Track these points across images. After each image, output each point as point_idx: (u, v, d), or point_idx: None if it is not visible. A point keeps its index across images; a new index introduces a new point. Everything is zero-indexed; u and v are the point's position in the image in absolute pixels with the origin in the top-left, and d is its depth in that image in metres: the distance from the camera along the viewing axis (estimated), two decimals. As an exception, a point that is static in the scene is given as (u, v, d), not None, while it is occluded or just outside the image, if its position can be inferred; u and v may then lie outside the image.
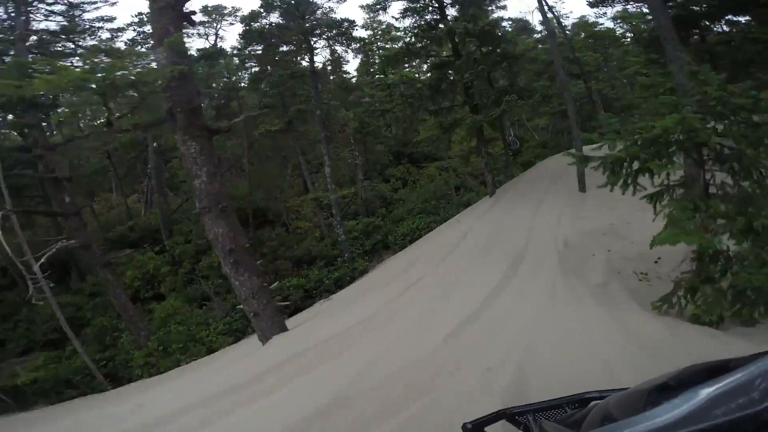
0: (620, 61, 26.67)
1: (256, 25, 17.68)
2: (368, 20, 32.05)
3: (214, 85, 21.24)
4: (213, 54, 17.83)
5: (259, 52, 20.42)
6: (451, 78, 15.03)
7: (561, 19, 20.80)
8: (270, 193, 22.58)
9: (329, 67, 27.20)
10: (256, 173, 22.09)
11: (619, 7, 16.86)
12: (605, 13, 19.91)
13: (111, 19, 16.56)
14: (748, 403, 0.82)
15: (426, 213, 22.08)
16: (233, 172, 22.73)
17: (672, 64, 8.97)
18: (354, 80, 27.51)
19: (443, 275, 9.08)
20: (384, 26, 25.74)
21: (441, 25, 14.35)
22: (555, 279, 6.78)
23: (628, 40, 29.51)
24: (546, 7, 13.40)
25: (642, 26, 19.06)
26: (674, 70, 8.83)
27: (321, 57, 26.88)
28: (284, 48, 18.26)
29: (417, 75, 23.55)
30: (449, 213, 21.31)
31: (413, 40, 14.43)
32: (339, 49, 17.92)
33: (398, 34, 14.43)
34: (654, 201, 5.33)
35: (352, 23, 16.96)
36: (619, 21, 24.12)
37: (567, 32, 23.09)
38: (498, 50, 14.46)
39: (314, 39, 17.19)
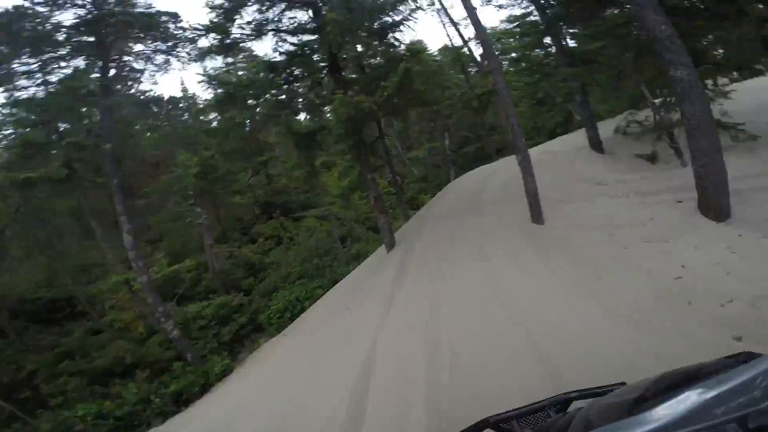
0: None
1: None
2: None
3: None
4: None
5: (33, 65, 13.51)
6: (308, 52, 10.01)
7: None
8: (73, 274, 14.82)
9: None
10: (39, 247, 14.20)
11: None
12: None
13: None
14: (749, 401, 0.82)
15: (308, 276, 16.80)
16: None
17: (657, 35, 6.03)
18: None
19: None
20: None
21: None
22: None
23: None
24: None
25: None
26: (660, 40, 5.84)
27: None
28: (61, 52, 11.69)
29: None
30: (338, 272, 16.50)
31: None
32: (159, 58, 12.21)
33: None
34: None
35: (173, 17, 11.43)
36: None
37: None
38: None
39: (109, 38, 11.21)
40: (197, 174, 15.84)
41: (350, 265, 16.82)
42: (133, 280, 12.59)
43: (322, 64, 10.01)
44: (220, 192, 17.18)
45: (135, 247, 10.68)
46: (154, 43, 11.57)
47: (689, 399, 0.88)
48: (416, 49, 9.37)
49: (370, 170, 11.52)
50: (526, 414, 1.58)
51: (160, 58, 11.92)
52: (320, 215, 19.71)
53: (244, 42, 9.20)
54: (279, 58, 9.41)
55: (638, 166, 11.58)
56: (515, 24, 15.73)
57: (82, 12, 11.35)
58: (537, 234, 7.87)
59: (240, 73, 16.20)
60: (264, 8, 8.90)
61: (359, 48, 9.99)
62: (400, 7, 9.64)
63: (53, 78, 12.86)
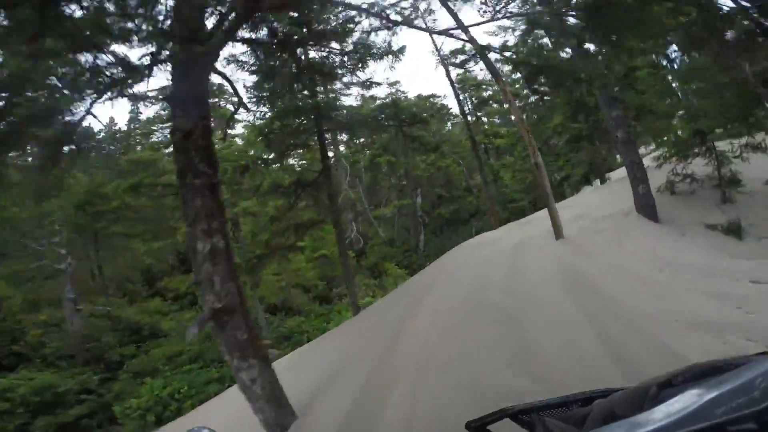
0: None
1: None
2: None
3: None
4: None
5: None
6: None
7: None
8: None
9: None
10: None
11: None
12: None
13: None
14: (748, 402, 0.79)
15: (206, 361, 12.24)
16: None
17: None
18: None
19: None
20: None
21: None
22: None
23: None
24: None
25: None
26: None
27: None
28: None
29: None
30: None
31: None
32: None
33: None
34: None
35: None
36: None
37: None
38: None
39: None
40: (79, 204, 11.88)
41: (277, 351, 12.40)
42: None
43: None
44: (113, 232, 13.09)
45: None
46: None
47: (705, 392, 0.83)
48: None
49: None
50: (548, 407, 1.46)
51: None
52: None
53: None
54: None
55: (721, 244, 7.55)
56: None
57: None
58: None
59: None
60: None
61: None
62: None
63: None
